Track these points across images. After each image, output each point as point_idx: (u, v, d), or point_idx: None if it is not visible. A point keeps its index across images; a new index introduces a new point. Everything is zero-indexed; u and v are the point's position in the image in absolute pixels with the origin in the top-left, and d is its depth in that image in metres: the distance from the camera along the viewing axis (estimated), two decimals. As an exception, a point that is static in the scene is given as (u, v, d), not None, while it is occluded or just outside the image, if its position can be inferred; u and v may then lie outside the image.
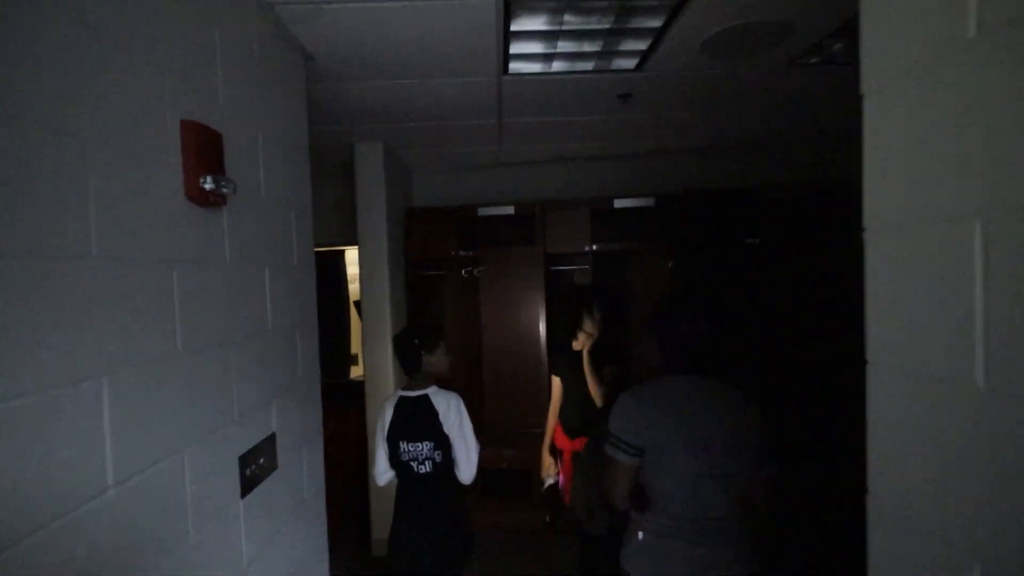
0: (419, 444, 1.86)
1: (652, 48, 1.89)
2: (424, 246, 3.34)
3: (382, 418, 1.95)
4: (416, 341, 1.94)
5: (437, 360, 1.98)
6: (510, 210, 3.24)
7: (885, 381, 0.72)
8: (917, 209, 0.65)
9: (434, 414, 1.86)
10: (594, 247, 3.16)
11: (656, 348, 1.46)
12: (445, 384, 2.01)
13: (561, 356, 2.63)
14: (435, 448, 1.86)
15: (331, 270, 5.34)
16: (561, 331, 2.84)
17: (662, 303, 1.56)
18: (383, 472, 1.98)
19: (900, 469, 0.70)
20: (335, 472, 3.44)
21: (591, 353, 2.39)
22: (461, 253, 3.28)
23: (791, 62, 2.07)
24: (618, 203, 3.14)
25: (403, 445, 1.87)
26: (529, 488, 3.24)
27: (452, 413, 1.86)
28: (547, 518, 3.22)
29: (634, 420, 1.36)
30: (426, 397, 1.90)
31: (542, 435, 2.71)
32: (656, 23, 1.72)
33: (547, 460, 2.62)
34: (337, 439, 3.51)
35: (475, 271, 3.65)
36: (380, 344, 3.01)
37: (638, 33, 1.79)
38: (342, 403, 3.50)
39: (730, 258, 3.06)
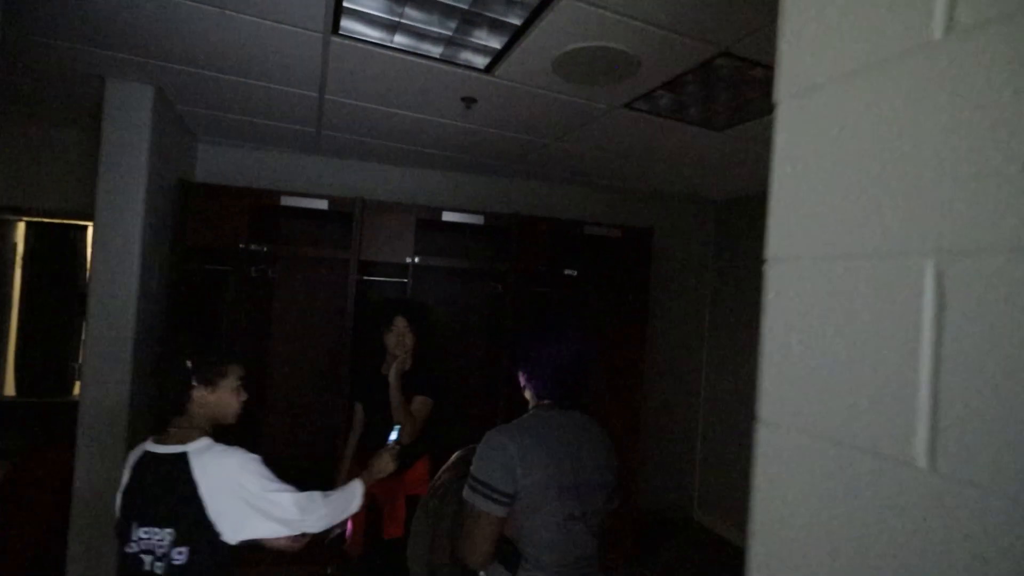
0: (157, 531, 1.17)
1: (506, 49, 1.74)
2: (203, 232, 2.63)
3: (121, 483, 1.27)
4: (188, 364, 1.24)
5: (218, 399, 1.27)
6: (323, 204, 2.76)
7: (781, 447, 0.59)
8: (843, 240, 0.54)
9: (190, 486, 1.17)
10: (416, 260, 2.88)
11: (526, 379, 1.31)
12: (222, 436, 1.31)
13: (362, 379, 2.27)
14: (177, 542, 1.16)
15: (61, 252, 4.01)
16: (366, 350, 2.47)
17: (532, 330, 1.37)
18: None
19: (797, 561, 0.57)
20: (26, 532, 2.42)
21: (403, 380, 2.08)
22: (252, 247, 2.67)
23: (628, 104, 2.15)
24: (447, 216, 2.93)
25: (135, 530, 1.18)
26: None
27: (228, 485, 1.19)
28: (328, 571, 2.73)
29: (509, 463, 1.16)
30: (183, 457, 1.19)
31: (329, 476, 2.29)
32: (516, 20, 1.56)
33: None
34: (41, 482, 2.49)
35: (268, 271, 3.04)
36: (113, 353, 2.22)
37: (494, 27, 1.62)
38: (61, 431, 2.51)
39: (551, 287, 3.08)
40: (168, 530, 1.17)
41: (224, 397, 1.29)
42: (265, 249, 2.71)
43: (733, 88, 1.96)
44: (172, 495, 1.18)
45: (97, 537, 2.22)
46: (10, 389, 3.93)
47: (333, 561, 2.70)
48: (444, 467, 1.41)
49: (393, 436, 1.75)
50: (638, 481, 3.34)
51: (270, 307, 3.17)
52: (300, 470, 3.03)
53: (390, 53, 1.82)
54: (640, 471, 3.40)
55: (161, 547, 1.16)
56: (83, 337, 2.43)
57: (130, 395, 2.25)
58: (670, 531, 3.70)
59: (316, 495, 1.33)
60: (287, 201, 2.72)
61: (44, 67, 2.12)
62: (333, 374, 3.05)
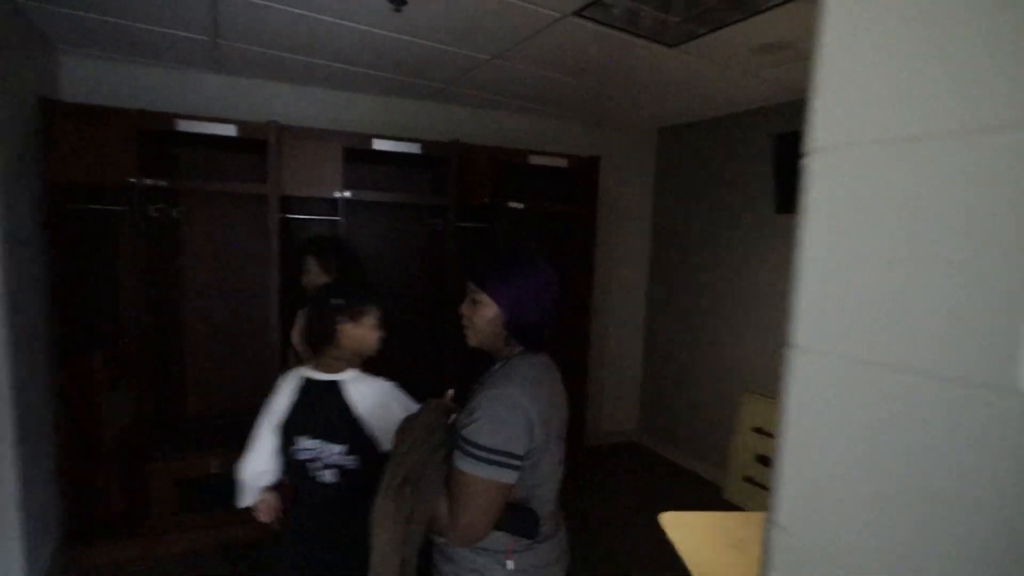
0: (326, 445, 1.37)
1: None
2: (79, 166, 2.19)
3: (274, 401, 1.44)
4: (338, 303, 1.42)
5: (363, 335, 1.43)
6: (231, 130, 2.38)
7: (821, 375, 0.50)
8: (929, 115, 0.42)
9: (346, 408, 1.37)
10: (347, 194, 2.59)
11: (509, 326, 1.10)
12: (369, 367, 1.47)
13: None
14: (349, 452, 1.37)
15: None
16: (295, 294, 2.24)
17: (501, 264, 1.12)
18: (257, 469, 1.44)
19: (835, 498, 0.49)
20: None
21: None
22: (148, 182, 2.27)
23: (579, 11, 1.93)
24: (378, 144, 2.63)
25: (304, 441, 1.38)
26: (251, 494, 2.55)
27: (379, 405, 1.39)
28: (275, 524, 2.60)
29: (528, 423, 1.03)
30: (336, 384, 1.40)
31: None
32: None
33: None
34: None
35: (174, 211, 2.65)
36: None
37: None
38: None
39: (496, 221, 2.91)
40: (338, 445, 1.36)
41: (365, 332, 1.43)
42: (164, 184, 2.32)
43: (690, -6, 1.79)
44: (333, 415, 1.37)
45: (-8, 521, 1.94)
46: None
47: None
48: (402, 443, 1.13)
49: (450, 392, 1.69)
50: (585, 410, 3.41)
51: (178, 252, 2.79)
52: (230, 426, 2.84)
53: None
54: (587, 400, 3.47)
55: (331, 457, 1.36)
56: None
57: (11, 361, 1.90)
58: (615, 454, 3.88)
59: None
60: (184, 126, 2.31)
61: None
62: (258, 323, 2.78)
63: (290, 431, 1.40)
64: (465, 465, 1.00)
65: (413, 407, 1.33)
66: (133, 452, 2.48)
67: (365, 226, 3.13)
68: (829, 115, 0.49)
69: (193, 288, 2.86)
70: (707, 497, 3.27)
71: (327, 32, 2.19)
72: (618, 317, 3.95)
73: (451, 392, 1.26)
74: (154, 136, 2.34)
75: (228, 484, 2.49)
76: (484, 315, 1.10)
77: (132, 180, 2.24)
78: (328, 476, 1.37)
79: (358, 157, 2.78)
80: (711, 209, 3.47)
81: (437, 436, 1.12)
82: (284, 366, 2.21)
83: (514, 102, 3.21)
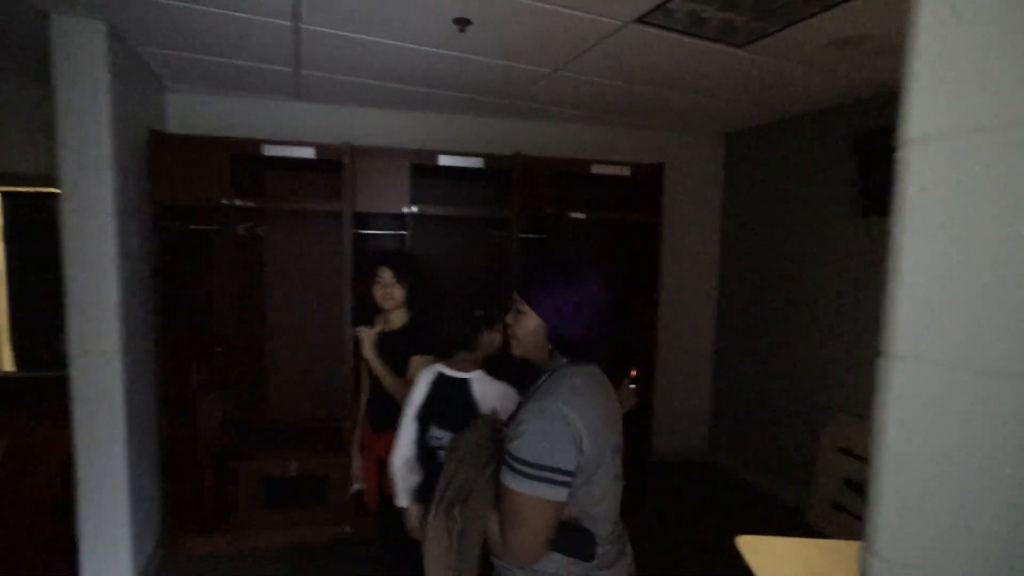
0: (450, 434, 1.52)
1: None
2: (182, 189, 2.43)
3: (415, 393, 1.65)
4: (481, 313, 1.62)
5: (491, 341, 1.64)
6: (310, 152, 2.55)
7: (926, 386, 0.46)
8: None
9: (472, 404, 1.56)
10: (414, 209, 2.69)
11: (555, 336, 1.07)
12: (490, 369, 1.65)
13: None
14: None
15: (40, 221, 3.80)
16: (366, 306, 2.34)
17: (543, 274, 1.09)
18: (403, 455, 1.64)
19: (944, 525, 0.44)
20: (26, 508, 2.37)
21: (399, 338, 1.97)
22: (238, 203, 2.48)
23: (642, 17, 1.91)
24: (443, 160, 2.72)
25: (435, 430, 1.58)
26: (323, 496, 2.68)
27: (498, 406, 1.45)
28: (347, 528, 2.71)
29: (575, 435, 0.98)
30: (466, 382, 1.60)
31: (338, 434, 2.21)
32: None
33: (355, 460, 2.13)
34: (42, 454, 2.42)
35: (257, 228, 2.87)
36: (99, 325, 2.08)
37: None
38: (50, 404, 2.41)
39: (557, 232, 2.92)
40: (443, 431, 1.53)
41: (495, 337, 1.62)
42: (251, 204, 2.52)
43: (761, -9, 1.73)
44: (460, 409, 1.53)
45: (105, 514, 2.16)
46: (8, 364, 3.84)
47: (351, 520, 2.67)
48: (451, 462, 1.17)
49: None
50: (653, 425, 3.30)
51: (262, 267, 3.01)
52: (307, 432, 3.01)
53: (370, -37, 1.58)
54: (655, 415, 3.36)
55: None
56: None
57: (122, 365, 2.13)
58: (685, 472, 3.71)
59: None
60: (270, 151, 2.51)
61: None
62: (333, 334, 2.94)
63: (425, 420, 1.60)
64: (512, 482, 0.97)
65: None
66: (223, 452, 2.68)
67: (430, 239, 3.23)
68: (928, 103, 0.45)
69: (275, 300, 3.07)
70: (787, 522, 3.05)
71: (397, 57, 2.31)
72: (685, 328, 3.81)
73: (633, 372, 1.53)
74: (243, 160, 2.55)
75: (308, 484, 2.66)
76: (526, 326, 1.08)
77: (225, 201, 2.45)
78: None
79: (424, 173, 2.89)
80: (785, 214, 3.28)
81: (485, 453, 1.10)
82: (357, 379, 2.31)
83: (574, 112, 3.21)
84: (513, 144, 3.25)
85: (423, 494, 1.58)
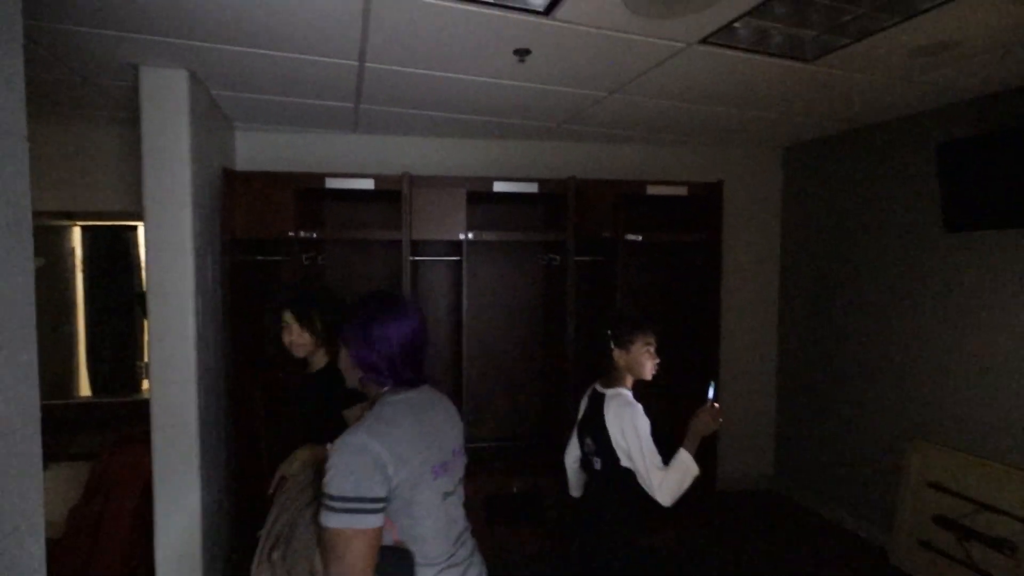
0: (592, 444, 1.74)
1: (571, -18, 1.50)
2: (250, 223, 2.54)
3: (581, 406, 1.87)
4: (608, 332, 1.74)
5: (632, 360, 1.72)
6: (369, 184, 2.62)
7: None
8: None
9: (602, 418, 1.68)
10: (470, 235, 2.71)
11: (365, 369, 1.15)
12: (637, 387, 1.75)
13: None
14: (596, 452, 1.72)
15: (115, 253, 4.07)
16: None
17: (364, 316, 1.15)
18: (574, 455, 1.92)
19: None
20: (113, 541, 2.46)
21: (314, 379, 1.82)
22: (302, 235, 2.56)
23: (706, 38, 1.87)
24: (498, 186, 2.74)
25: (587, 439, 1.76)
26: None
27: (621, 426, 1.64)
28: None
29: (378, 462, 1.03)
30: (602, 397, 1.73)
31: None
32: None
33: None
34: (123, 482, 2.53)
35: (318, 258, 2.95)
36: (176, 352, 2.17)
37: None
38: (136, 429, 2.53)
39: (613, 255, 2.87)
40: (594, 446, 1.72)
41: (634, 358, 1.72)
42: (314, 235, 2.60)
43: (828, 7, 1.66)
44: (596, 421, 1.70)
45: (184, 536, 2.23)
46: (85, 390, 4.08)
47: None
48: (274, 508, 1.22)
49: (711, 394, 1.75)
50: (715, 450, 3.15)
51: (323, 295, 3.09)
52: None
53: (437, 2, 1.61)
54: (716, 440, 3.21)
55: (594, 454, 1.72)
56: (146, 338, 2.40)
57: (196, 392, 2.21)
58: (749, 502, 3.52)
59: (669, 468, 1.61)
60: (332, 183, 2.59)
61: (78, 59, 2.02)
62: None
63: (581, 430, 1.81)
64: (325, 519, 1.00)
65: (637, 438, 1.60)
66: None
67: (484, 264, 3.25)
68: None
69: (334, 326, 3.14)
70: (867, 560, 2.83)
71: (455, 88, 2.35)
72: (746, 350, 3.66)
73: (712, 390, 1.74)
74: (307, 194, 2.65)
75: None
76: (344, 359, 1.19)
77: (291, 233, 2.53)
78: (596, 464, 1.73)
79: (479, 199, 2.92)
80: (855, 228, 3.12)
81: (307, 494, 1.16)
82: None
83: (629, 133, 3.18)
84: (567, 167, 3.24)
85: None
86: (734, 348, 3.59)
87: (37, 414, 1.10)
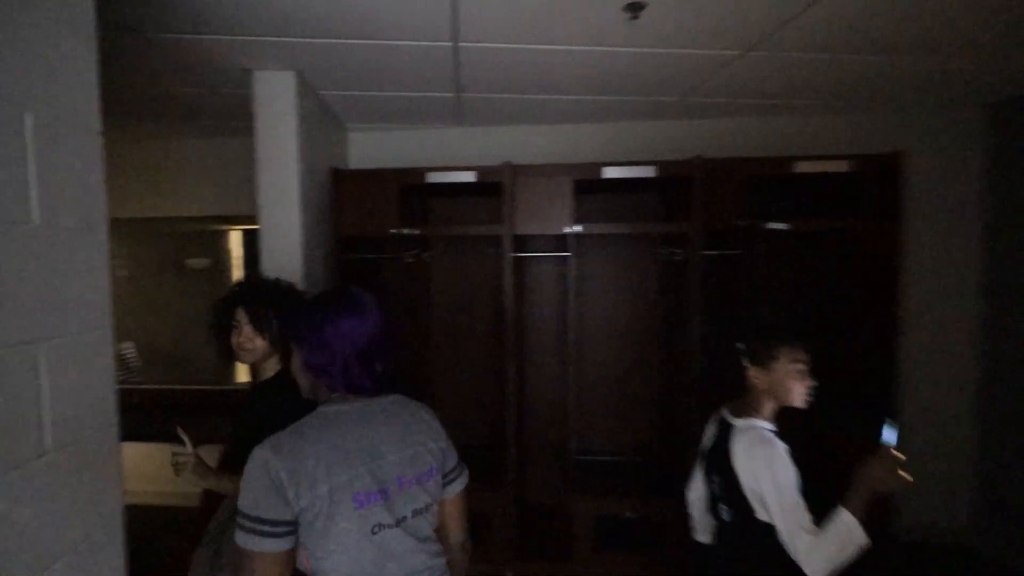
0: (718, 487, 1.40)
1: None
2: (357, 220, 2.54)
3: (705, 435, 1.53)
4: (742, 345, 1.38)
5: (774, 381, 1.33)
6: (470, 176, 2.48)
7: None
8: None
9: (727, 455, 1.34)
10: (577, 228, 2.44)
11: (311, 371, 1.03)
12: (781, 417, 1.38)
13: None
14: (722, 498, 1.39)
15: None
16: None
17: (308, 308, 1.05)
18: (696, 492, 1.57)
19: None
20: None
21: (266, 387, 1.58)
22: (405, 232, 2.51)
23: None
24: (608, 172, 2.43)
25: (714, 474, 1.43)
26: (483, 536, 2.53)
27: (754, 469, 1.27)
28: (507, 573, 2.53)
29: (276, 482, 0.92)
30: (730, 428, 1.38)
31: (501, 465, 2.02)
32: None
33: None
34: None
35: (425, 255, 2.90)
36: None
37: None
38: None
39: (749, 247, 2.40)
40: (720, 491, 1.38)
41: (777, 379, 1.33)
42: (417, 232, 2.53)
43: None
44: (723, 459, 1.35)
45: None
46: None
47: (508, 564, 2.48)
48: (224, 502, 1.25)
49: (888, 435, 1.25)
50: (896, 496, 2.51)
51: (427, 293, 3.05)
52: (469, 452, 2.93)
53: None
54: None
55: (720, 496, 1.39)
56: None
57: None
58: (940, 559, 2.77)
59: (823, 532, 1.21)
60: (433, 177, 2.50)
61: (204, 70, 2.15)
62: (495, 360, 2.83)
63: (708, 463, 1.47)
64: (235, 533, 0.94)
65: (775, 488, 1.23)
66: None
67: (593, 260, 2.96)
68: None
69: (440, 325, 3.08)
70: None
71: (557, 62, 2.10)
72: (935, 370, 2.89)
73: (888, 429, 1.25)
74: (410, 189, 2.59)
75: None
76: (294, 362, 1.07)
77: (393, 231, 2.49)
78: (724, 514, 1.39)
79: (585, 189, 2.64)
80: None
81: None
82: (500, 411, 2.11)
83: (770, 102, 2.66)
84: (689, 148, 2.82)
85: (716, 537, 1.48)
86: (918, 367, 2.86)
87: (114, 420, 1.09)
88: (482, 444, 2.99)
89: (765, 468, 1.25)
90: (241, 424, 1.56)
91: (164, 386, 3.54)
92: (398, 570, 0.99)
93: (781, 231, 2.32)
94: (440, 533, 1.11)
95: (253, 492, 0.92)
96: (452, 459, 1.14)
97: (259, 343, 1.53)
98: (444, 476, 1.11)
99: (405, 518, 1.00)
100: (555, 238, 2.75)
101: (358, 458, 0.97)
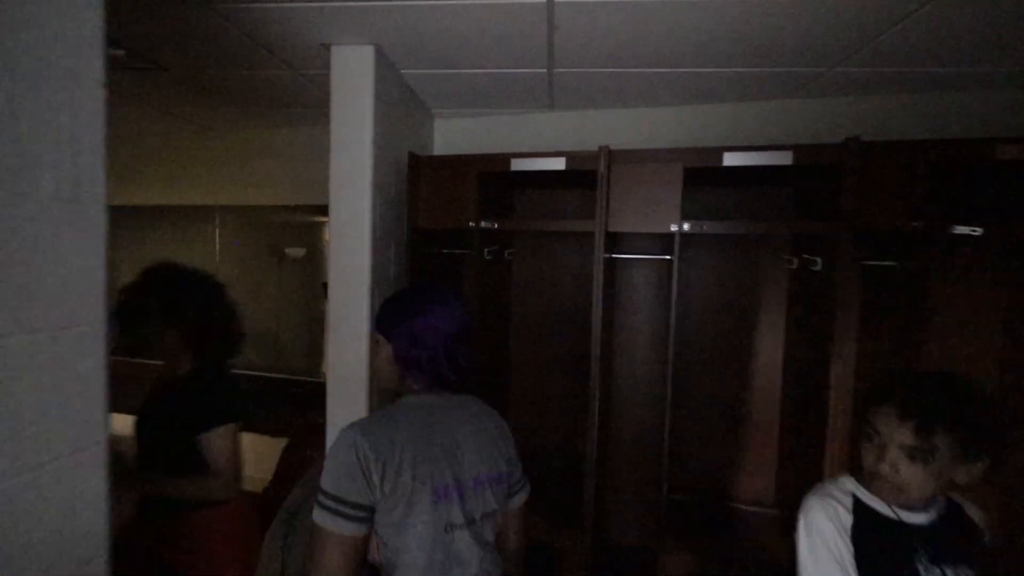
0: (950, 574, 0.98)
1: None
2: (434, 213, 2.33)
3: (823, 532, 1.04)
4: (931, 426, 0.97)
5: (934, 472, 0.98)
6: (560, 163, 2.16)
7: None
8: None
9: (967, 538, 1.00)
10: (686, 227, 2.03)
11: (396, 355, 1.04)
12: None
13: None
14: None
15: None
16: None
17: (401, 294, 1.09)
18: None
19: None
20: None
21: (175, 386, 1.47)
22: (483, 225, 2.25)
23: None
24: (730, 159, 1.98)
25: (946, 570, 0.96)
26: None
27: None
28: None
29: (363, 465, 0.90)
30: (902, 529, 0.98)
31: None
32: None
33: None
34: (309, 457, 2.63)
35: (506, 253, 2.63)
36: (352, 340, 2.06)
37: None
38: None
39: (927, 255, 1.83)
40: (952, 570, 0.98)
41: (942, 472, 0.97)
42: (495, 226, 2.26)
43: None
44: (956, 540, 1.02)
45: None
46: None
47: None
48: (299, 482, 1.26)
49: None
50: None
51: (506, 295, 2.77)
52: (543, 479, 2.63)
53: None
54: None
55: None
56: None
57: (367, 391, 2.07)
58: None
59: None
60: (518, 164, 2.20)
61: (276, 43, 2.04)
62: (577, 374, 2.49)
63: (930, 554, 0.99)
64: (314, 510, 0.92)
65: None
66: None
67: (700, 267, 2.51)
68: None
69: (519, 331, 2.80)
70: None
71: (666, 23, 1.71)
72: None
73: None
74: (492, 179, 2.32)
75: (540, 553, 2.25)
76: (380, 354, 1.08)
77: (471, 224, 2.24)
78: None
79: (698, 180, 2.21)
80: None
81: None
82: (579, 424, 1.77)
83: (953, 70, 2.04)
84: (825, 134, 2.28)
85: None
86: None
87: (104, 433, 0.92)
88: (558, 470, 2.66)
89: None
90: (151, 424, 1.43)
91: (256, 373, 3.60)
92: (457, 572, 0.97)
93: (973, 236, 1.73)
94: (498, 542, 1.09)
95: (338, 472, 0.91)
96: (518, 469, 1.14)
97: (172, 337, 1.41)
98: (511, 486, 1.10)
99: (475, 520, 0.99)
100: (656, 238, 2.35)
101: (441, 451, 0.97)
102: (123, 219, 3.91)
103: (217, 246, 3.83)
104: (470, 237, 2.34)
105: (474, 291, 2.36)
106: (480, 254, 2.34)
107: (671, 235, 2.08)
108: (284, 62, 2.18)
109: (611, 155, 2.09)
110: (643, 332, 2.59)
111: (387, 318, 1.06)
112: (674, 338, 2.07)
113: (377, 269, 2.10)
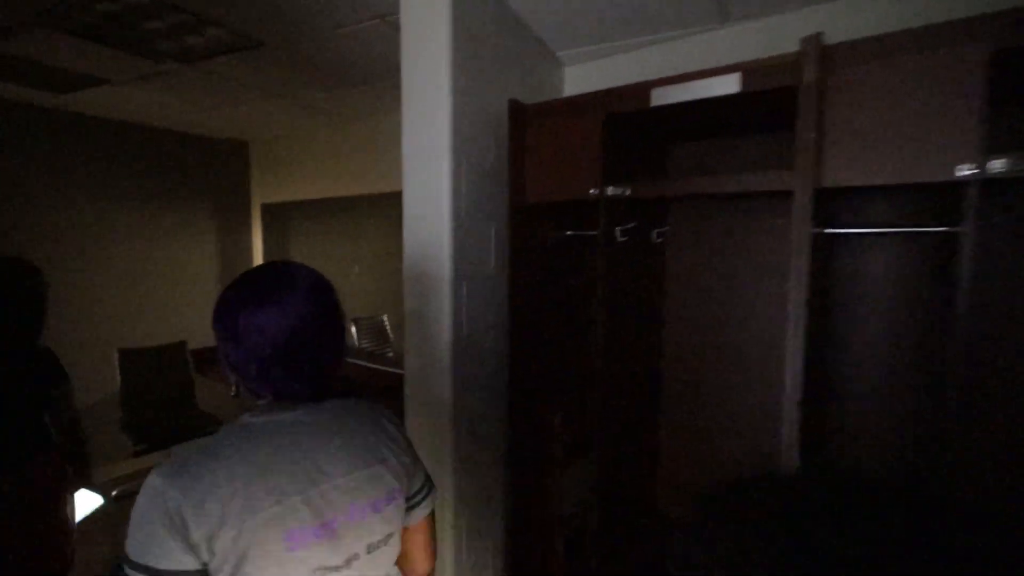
0: None
1: None
2: (544, 180, 1.71)
3: None
4: None
5: None
6: (731, 83, 1.34)
7: None
8: None
9: None
10: (995, 166, 1.05)
11: (232, 370, 0.78)
12: None
13: None
14: None
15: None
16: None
17: (236, 280, 0.79)
18: None
19: None
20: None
21: None
22: (610, 192, 1.56)
23: None
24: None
25: None
26: None
27: None
28: None
29: (173, 521, 0.67)
30: None
31: None
32: None
33: None
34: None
35: (654, 233, 1.89)
36: (431, 331, 1.58)
37: None
38: None
39: None
40: None
41: None
42: (627, 192, 1.55)
43: None
44: None
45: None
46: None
47: None
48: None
49: None
50: None
51: (655, 293, 2.00)
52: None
53: None
54: None
55: None
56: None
57: (453, 424, 1.57)
58: None
59: None
60: (660, 97, 1.45)
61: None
62: (767, 397, 1.63)
63: None
64: None
65: None
66: (582, 535, 1.85)
67: (1001, 242, 1.41)
68: None
69: (675, 341, 2.02)
70: None
71: None
72: None
73: None
74: (625, 125, 1.60)
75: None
76: (221, 361, 0.82)
77: (593, 191, 1.57)
78: None
79: (1005, 86, 1.17)
80: None
81: None
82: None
83: None
84: None
85: None
86: None
87: None
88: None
89: None
90: None
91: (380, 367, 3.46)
92: None
93: None
94: (402, 565, 0.91)
95: (142, 533, 0.68)
96: (419, 478, 0.92)
97: None
98: (408, 499, 0.89)
99: (357, 556, 0.79)
100: (914, 196, 1.36)
101: (292, 485, 0.74)
102: (287, 212, 4.16)
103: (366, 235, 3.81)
104: (594, 212, 1.66)
105: (604, 291, 1.67)
106: (609, 235, 1.64)
107: (955, 187, 1.11)
108: (370, 14, 1.80)
109: (825, 55, 1.20)
110: (885, 358, 1.59)
111: (215, 313, 0.79)
112: (954, 367, 1.10)
113: (464, 259, 1.57)
